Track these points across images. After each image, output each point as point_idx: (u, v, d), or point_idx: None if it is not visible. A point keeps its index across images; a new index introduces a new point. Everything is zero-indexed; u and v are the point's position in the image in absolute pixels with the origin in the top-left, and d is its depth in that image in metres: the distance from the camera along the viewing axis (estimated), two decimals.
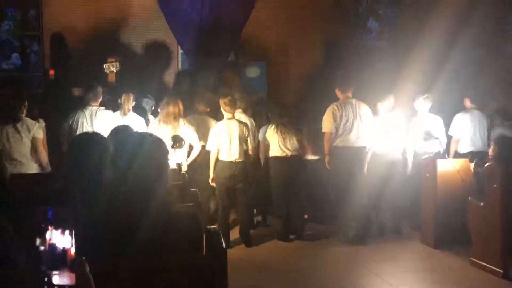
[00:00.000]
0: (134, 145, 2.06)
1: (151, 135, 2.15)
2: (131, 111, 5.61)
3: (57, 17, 8.31)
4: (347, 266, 4.78)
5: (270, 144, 5.49)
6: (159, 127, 5.07)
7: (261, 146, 5.62)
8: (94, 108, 5.50)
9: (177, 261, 1.87)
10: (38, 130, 4.77)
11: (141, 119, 5.59)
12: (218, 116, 5.74)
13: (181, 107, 5.20)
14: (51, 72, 8.17)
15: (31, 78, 8.62)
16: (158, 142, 2.09)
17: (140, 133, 2.31)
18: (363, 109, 5.47)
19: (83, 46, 8.21)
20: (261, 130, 5.80)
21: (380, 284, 4.27)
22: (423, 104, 5.87)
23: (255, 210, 6.16)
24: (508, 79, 9.64)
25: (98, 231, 1.91)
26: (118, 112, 5.60)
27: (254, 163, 5.70)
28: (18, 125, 4.65)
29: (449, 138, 6.04)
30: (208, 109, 5.92)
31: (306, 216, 6.19)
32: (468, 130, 5.94)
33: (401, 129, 5.69)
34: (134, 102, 5.71)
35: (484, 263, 4.50)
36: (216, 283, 1.88)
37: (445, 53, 9.09)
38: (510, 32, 10.19)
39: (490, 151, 4.72)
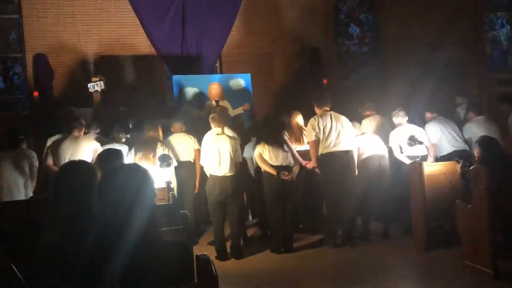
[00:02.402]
0: (122, 178, 2.06)
1: (138, 167, 2.16)
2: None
3: (38, 38, 8.29)
4: (340, 275, 4.80)
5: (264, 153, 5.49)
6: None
7: (249, 162, 5.62)
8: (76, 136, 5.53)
9: None
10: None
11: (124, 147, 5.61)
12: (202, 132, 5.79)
13: (160, 133, 5.42)
14: (35, 93, 8.14)
15: (16, 101, 8.57)
16: (146, 174, 2.10)
17: (128, 165, 2.31)
18: (341, 118, 5.64)
19: (66, 66, 8.20)
20: (246, 148, 5.82)
21: None
22: (399, 118, 6.02)
23: (251, 218, 6.18)
24: (487, 78, 9.81)
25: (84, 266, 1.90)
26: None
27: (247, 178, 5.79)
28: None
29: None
30: (184, 128, 5.97)
31: (301, 226, 6.24)
32: (440, 134, 6.11)
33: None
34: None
35: (475, 265, 4.55)
36: None
37: (426, 55, 9.23)
38: (488, 32, 10.36)
39: (475, 153, 4.81)
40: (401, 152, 5.95)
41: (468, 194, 4.66)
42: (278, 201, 5.44)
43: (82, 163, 2.74)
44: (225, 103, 7.15)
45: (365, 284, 4.48)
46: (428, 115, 6.43)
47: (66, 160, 4.98)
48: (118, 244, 1.95)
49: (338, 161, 5.48)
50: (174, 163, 5.32)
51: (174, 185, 5.13)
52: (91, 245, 2.00)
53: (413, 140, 5.56)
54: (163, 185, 4.63)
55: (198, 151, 5.82)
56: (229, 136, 5.45)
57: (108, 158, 3.53)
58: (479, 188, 4.49)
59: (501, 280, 4.31)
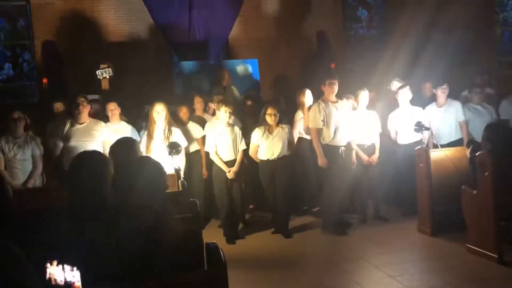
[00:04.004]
0: (134, 170, 2.14)
1: (150, 159, 2.24)
2: (122, 122, 5.77)
3: (47, 25, 8.33)
4: (346, 259, 4.88)
5: (260, 147, 5.58)
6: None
7: (251, 147, 5.68)
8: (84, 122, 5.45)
9: (178, 279, 1.95)
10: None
11: (129, 127, 5.69)
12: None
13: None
14: (44, 80, 8.21)
15: (25, 88, 8.66)
16: (157, 165, 2.17)
17: (140, 158, 2.39)
18: (345, 105, 5.67)
19: (75, 53, 8.24)
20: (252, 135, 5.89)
21: (380, 276, 4.37)
22: (404, 95, 5.96)
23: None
24: (497, 61, 9.71)
25: (101, 255, 1.98)
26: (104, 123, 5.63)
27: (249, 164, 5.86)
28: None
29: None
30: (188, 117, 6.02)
31: (305, 208, 6.35)
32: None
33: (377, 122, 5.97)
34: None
35: (479, 249, 4.62)
36: None
37: (434, 37, 9.14)
38: (498, 14, 10.21)
39: (482, 138, 4.82)
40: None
41: (476, 179, 4.69)
42: (270, 187, 5.58)
43: (95, 152, 2.83)
44: (232, 89, 7.20)
45: (371, 267, 4.57)
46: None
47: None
48: (130, 233, 2.04)
49: (339, 153, 5.55)
50: (184, 145, 5.42)
51: (183, 172, 5.23)
52: (103, 233, 2.08)
53: (420, 126, 5.57)
54: (173, 172, 4.71)
55: (202, 138, 5.92)
56: (233, 124, 5.53)
57: (122, 148, 3.60)
58: (485, 174, 4.53)
59: (505, 264, 4.37)
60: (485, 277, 4.24)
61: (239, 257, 5.00)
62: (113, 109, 5.74)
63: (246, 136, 5.83)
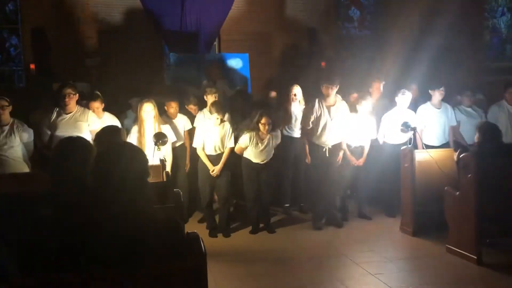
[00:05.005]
0: (114, 156, 2.12)
1: (131, 145, 2.22)
2: (105, 113, 5.70)
3: (36, 11, 8.21)
4: (329, 255, 4.91)
5: (247, 151, 5.58)
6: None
7: (237, 146, 5.66)
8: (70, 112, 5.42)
9: (156, 269, 1.93)
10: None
11: (115, 120, 5.65)
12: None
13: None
14: (32, 66, 8.11)
15: (12, 73, 8.54)
16: (138, 152, 2.15)
17: (120, 144, 2.37)
18: (341, 109, 5.67)
19: (64, 40, 8.14)
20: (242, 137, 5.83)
21: (362, 273, 4.40)
22: (402, 99, 6.00)
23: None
24: (485, 66, 9.82)
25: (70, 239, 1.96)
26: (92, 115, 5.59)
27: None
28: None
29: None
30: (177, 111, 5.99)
31: (287, 205, 6.38)
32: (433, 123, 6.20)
33: (371, 125, 6.01)
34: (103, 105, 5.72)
35: (459, 250, 4.68)
36: None
37: (425, 41, 9.21)
38: (488, 20, 10.32)
39: (475, 138, 4.87)
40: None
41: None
42: (253, 183, 5.58)
43: (79, 139, 2.81)
44: (222, 83, 7.17)
45: (353, 265, 4.61)
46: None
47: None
48: (108, 218, 2.02)
49: (322, 151, 5.63)
50: (172, 140, 5.42)
51: (169, 163, 5.22)
52: (81, 219, 2.06)
53: (406, 127, 5.62)
54: (158, 163, 4.70)
55: (188, 131, 5.93)
56: (223, 121, 5.52)
57: (107, 135, 3.59)
58: (468, 176, 4.58)
59: (483, 266, 4.44)
60: (463, 277, 4.30)
61: (221, 251, 5.02)
62: (96, 108, 5.65)
63: (234, 130, 5.82)
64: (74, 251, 1.94)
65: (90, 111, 5.47)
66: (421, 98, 6.65)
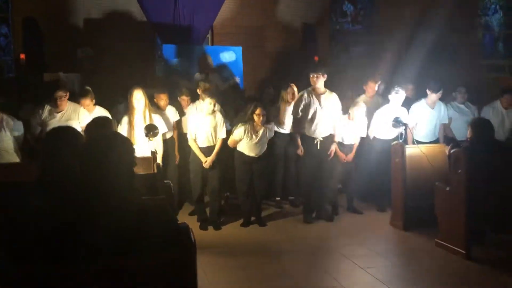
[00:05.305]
0: (107, 145, 2.10)
1: (118, 136, 2.20)
2: (96, 107, 5.66)
3: (27, 0, 8.11)
4: (319, 249, 4.94)
5: (241, 143, 5.56)
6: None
7: (231, 139, 5.64)
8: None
9: (146, 260, 1.92)
10: None
11: (106, 114, 5.61)
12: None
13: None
14: (22, 56, 8.01)
15: (1, 63, 8.44)
16: (125, 142, 2.14)
17: (106, 134, 2.35)
18: (332, 99, 5.66)
19: (56, 31, 8.06)
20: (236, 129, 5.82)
21: (351, 267, 4.42)
22: (395, 97, 6.03)
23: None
24: (478, 63, 9.86)
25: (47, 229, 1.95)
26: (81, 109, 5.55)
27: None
28: None
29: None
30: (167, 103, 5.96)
31: (278, 198, 6.40)
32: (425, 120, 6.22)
33: (362, 124, 6.06)
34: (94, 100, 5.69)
35: (449, 245, 4.72)
36: (185, 280, 1.95)
37: (418, 37, 9.23)
38: (481, 17, 10.36)
39: (468, 133, 4.90)
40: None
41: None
42: (246, 176, 5.57)
43: (69, 128, 2.79)
44: (215, 76, 7.15)
45: (343, 259, 4.63)
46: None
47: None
48: (101, 210, 2.00)
49: (320, 146, 5.64)
50: (164, 130, 5.40)
51: (160, 155, 5.20)
52: (74, 209, 2.05)
53: (397, 122, 5.64)
54: (149, 154, 4.67)
55: (176, 122, 5.91)
56: (215, 111, 5.49)
57: (97, 126, 3.57)
58: (458, 171, 4.61)
59: (472, 260, 4.48)
60: (451, 272, 4.33)
61: (212, 243, 5.02)
62: (86, 105, 5.60)
63: (226, 123, 5.80)
64: (67, 243, 1.92)
65: (82, 108, 5.47)
66: (415, 97, 6.68)
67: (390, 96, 6.05)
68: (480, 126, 4.80)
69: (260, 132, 5.52)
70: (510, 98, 6.32)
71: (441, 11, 9.18)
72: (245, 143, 5.51)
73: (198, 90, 6.01)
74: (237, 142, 5.56)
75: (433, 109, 6.17)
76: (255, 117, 5.46)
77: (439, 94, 6.11)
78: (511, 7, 10.03)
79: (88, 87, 5.80)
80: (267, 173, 5.93)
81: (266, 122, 5.59)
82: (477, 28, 10.18)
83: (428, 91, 6.16)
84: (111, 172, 1.99)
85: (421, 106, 6.20)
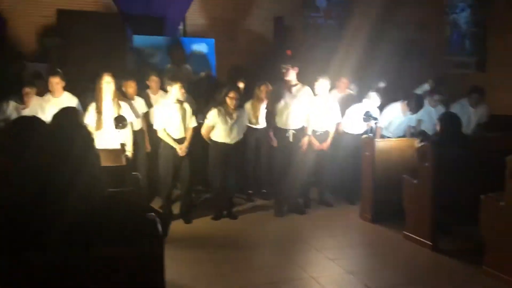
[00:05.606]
0: (64, 137, 2.06)
1: (81, 127, 2.16)
2: (64, 92, 5.52)
3: None
4: (289, 241, 4.97)
5: (216, 129, 5.51)
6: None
7: (204, 126, 5.61)
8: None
9: (113, 252, 1.89)
10: None
11: (74, 100, 5.49)
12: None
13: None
14: None
15: None
16: (84, 133, 2.10)
17: (71, 125, 2.30)
18: (304, 91, 5.68)
19: (22, 18, 7.80)
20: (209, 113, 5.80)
21: (321, 259, 4.47)
22: (368, 100, 6.13)
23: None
24: (445, 60, 10.09)
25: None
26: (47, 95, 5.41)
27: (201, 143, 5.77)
28: None
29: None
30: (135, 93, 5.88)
31: (250, 191, 6.40)
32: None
33: (335, 110, 6.08)
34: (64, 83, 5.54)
35: (416, 236, 4.83)
36: (152, 272, 1.92)
37: (389, 33, 9.37)
38: (449, 15, 10.59)
39: (436, 127, 5.00)
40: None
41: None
42: (221, 169, 5.53)
43: (36, 118, 2.72)
44: (187, 68, 7.07)
45: (313, 251, 4.67)
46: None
47: None
48: (56, 201, 1.95)
49: (285, 136, 5.65)
50: (133, 120, 5.33)
51: (130, 147, 5.11)
52: (38, 201, 1.99)
53: (368, 116, 5.71)
54: (118, 146, 4.59)
55: (145, 114, 5.85)
56: (182, 101, 5.41)
57: (63, 118, 3.47)
58: (425, 164, 4.70)
59: (438, 252, 4.59)
60: (418, 263, 4.44)
61: (182, 237, 4.98)
62: (55, 83, 5.46)
63: (198, 115, 5.75)
64: (31, 234, 1.87)
65: (48, 103, 5.29)
66: (384, 93, 6.78)
67: (364, 100, 6.15)
68: (448, 120, 4.91)
69: (235, 115, 5.48)
70: (477, 97, 6.51)
71: (410, 8, 9.35)
72: (220, 128, 5.44)
73: (168, 86, 5.90)
74: (211, 129, 5.49)
75: (404, 115, 6.25)
76: (228, 100, 5.41)
77: (404, 104, 6.08)
78: (478, 6, 10.29)
79: (59, 70, 5.67)
80: (240, 166, 5.91)
81: (240, 106, 5.55)
82: (445, 25, 10.42)
83: (407, 105, 6.04)
84: (72, 164, 1.95)
85: (395, 108, 6.25)
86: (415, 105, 5.86)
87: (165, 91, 5.60)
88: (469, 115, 6.49)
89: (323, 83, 5.94)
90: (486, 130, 6.46)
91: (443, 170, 4.61)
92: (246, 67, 8.46)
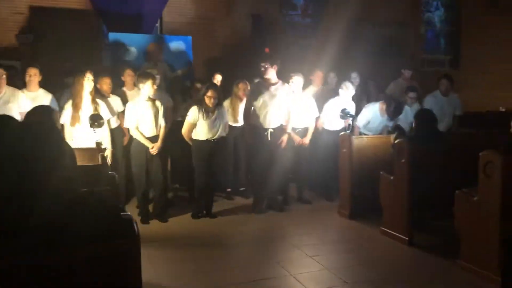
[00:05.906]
0: (34, 137, 2.01)
1: (53, 127, 2.11)
2: (40, 88, 5.40)
3: None
4: (269, 238, 4.97)
5: (198, 127, 5.46)
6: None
7: (186, 124, 5.56)
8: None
9: (87, 251, 1.85)
10: None
11: (49, 96, 5.38)
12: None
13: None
14: None
15: None
16: (57, 138, 2.06)
17: (43, 125, 2.25)
18: (283, 89, 5.67)
19: None
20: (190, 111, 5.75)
21: (300, 256, 4.48)
22: (345, 92, 6.15)
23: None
24: (420, 58, 10.27)
25: None
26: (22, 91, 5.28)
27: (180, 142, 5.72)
28: None
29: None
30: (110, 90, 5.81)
31: (229, 190, 6.38)
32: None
33: (312, 105, 6.13)
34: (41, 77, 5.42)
35: (392, 232, 4.89)
36: (128, 272, 1.89)
37: (365, 31, 9.46)
38: (424, 13, 10.76)
39: (413, 124, 5.07)
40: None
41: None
42: (204, 169, 5.50)
43: (7, 116, 2.65)
44: (163, 65, 6.99)
45: (291, 248, 4.68)
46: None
47: None
48: (25, 201, 1.90)
49: (264, 135, 5.64)
50: (109, 117, 5.25)
51: (108, 146, 5.04)
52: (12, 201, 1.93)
53: (345, 113, 5.76)
54: (93, 145, 4.51)
55: (122, 113, 5.72)
56: (154, 99, 5.35)
57: (37, 115, 3.40)
58: (401, 160, 4.76)
59: (414, 246, 4.66)
60: (395, 257, 4.49)
61: (160, 236, 4.94)
62: (33, 74, 5.35)
63: (175, 113, 5.70)
64: (2, 235, 1.82)
65: (21, 93, 5.17)
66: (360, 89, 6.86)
67: (340, 90, 6.17)
68: (423, 117, 4.98)
69: (215, 112, 5.45)
70: (447, 83, 6.63)
71: (386, 5, 9.45)
72: (202, 124, 5.40)
73: (140, 85, 5.81)
74: (192, 127, 5.44)
75: (382, 116, 6.32)
76: (206, 99, 5.38)
77: (382, 104, 6.15)
78: (452, 5, 10.47)
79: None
80: (221, 164, 5.88)
81: (218, 104, 5.52)
82: (420, 23, 10.59)
83: (386, 110, 6.07)
84: (44, 163, 1.90)
85: (374, 108, 6.30)
86: (394, 111, 5.88)
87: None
88: (442, 104, 6.59)
89: (297, 80, 5.96)
90: (460, 126, 6.59)
91: (419, 166, 4.68)
92: (223, 64, 8.43)
